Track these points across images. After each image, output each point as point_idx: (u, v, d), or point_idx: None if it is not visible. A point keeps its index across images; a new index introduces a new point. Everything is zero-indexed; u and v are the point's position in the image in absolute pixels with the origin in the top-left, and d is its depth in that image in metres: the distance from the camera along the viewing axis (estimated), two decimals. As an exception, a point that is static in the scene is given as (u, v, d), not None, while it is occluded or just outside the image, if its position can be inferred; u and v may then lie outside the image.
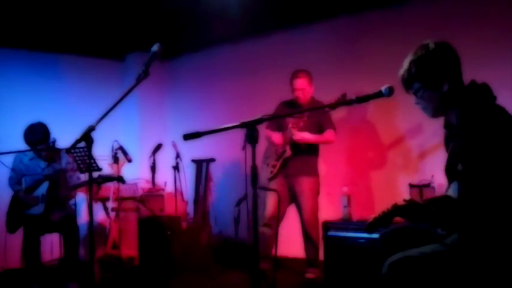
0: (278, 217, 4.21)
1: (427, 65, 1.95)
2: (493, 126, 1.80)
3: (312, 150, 4.27)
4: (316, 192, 4.28)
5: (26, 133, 4.05)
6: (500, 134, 1.78)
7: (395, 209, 1.84)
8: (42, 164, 4.21)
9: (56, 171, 4.18)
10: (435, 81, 1.94)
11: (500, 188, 1.74)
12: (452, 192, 1.98)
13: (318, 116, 4.14)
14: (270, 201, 4.27)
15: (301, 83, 4.20)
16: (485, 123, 1.81)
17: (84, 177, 4.28)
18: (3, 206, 4.23)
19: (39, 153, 4.15)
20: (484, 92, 1.93)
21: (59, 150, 4.21)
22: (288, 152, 4.23)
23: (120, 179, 4.09)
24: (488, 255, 1.80)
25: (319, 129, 4.21)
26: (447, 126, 2.05)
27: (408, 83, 2.01)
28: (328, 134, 4.18)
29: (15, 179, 4.25)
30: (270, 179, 4.30)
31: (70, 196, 4.28)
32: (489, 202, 1.74)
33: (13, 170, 4.22)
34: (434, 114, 2.04)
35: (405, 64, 2.01)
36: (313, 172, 4.29)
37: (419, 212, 1.81)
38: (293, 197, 4.29)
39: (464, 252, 1.84)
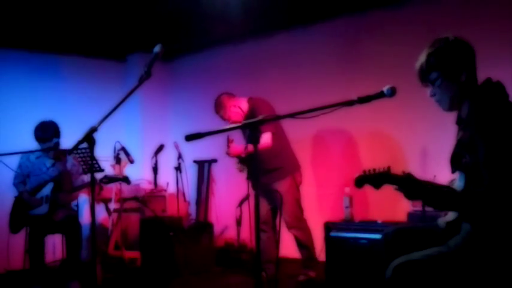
0: (273, 221, 4.22)
1: (447, 55, 1.98)
2: (504, 119, 1.81)
3: (268, 160, 4.04)
4: (293, 192, 4.11)
5: (37, 129, 4.09)
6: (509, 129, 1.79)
7: (387, 175, 1.86)
8: (48, 163, 4.23)
9: (60, 172, 4.20)
10: (454, 71, 1.97)
11: (506, 184, 1.73)
12: (457, 186, 1.98)
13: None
14: (261, 206, 4.24)
15: (221, 116, 4.23)
16: (496, 116, 1.82)
17: (87, 178, 4.29)
18: (5, 207, 4.24)
19: (47, 152, 4.17)
20: (497, 89, 1.95)
21: (66, 151, 4.22)
22: (240, 169, 4.28)
23: (125, 180, 4.10)
24: (492, 255, 1.80)
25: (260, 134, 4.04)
26: (459, 122, 2.05)
27: (426, 73, 2.02)
28: (262, 140, 3.96)
29: (20, 177, 4.24)
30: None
31: (73, 198, 4.30)
32: (500, 190, 1.74)
33: (19, 167, 4.23)
34: (450, 106, 2.04)
35: (422, 57, 2.03)
36: (285, 173, 4.11)
37: (415, 187, 1.82)
38: (277, 201, 4.20)
39: (469, 254, 1.83)
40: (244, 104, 4.22)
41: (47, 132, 4.08)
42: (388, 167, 1.88)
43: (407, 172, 1.86)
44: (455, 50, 1.98)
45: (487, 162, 1.78)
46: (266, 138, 4.00)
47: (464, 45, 2.01)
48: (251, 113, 4.08)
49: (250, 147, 3.99)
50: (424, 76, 2.04)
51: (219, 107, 4.25)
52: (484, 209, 1.76)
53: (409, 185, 1.84)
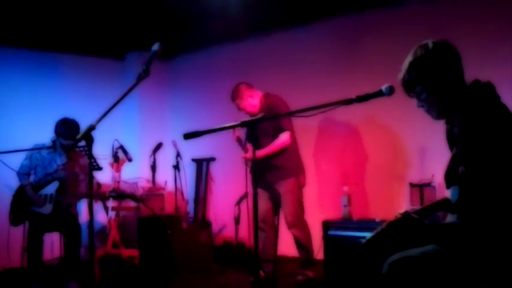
0: (273, 219, 4.20)
1: (428, 66, 1.90)
2: (497, 130, 1.78)
3: (275, 156, 4.07)
4: (296, 192, 4.12)
5: (60, 125, 4.06)
6: (504, 137, 1.76)
7: (390, 226, 1.90)
8: (60, 160, 4.21)
9: (69, 173, 4.19)
10: (437, 83, 1.90)
11: (503, 192, 1.73)
12: (451, 196, 1.97)
13: (272, 120, 3.99)
14: (260, 205, 4.24)
15: (237, 105, 4.18)
16: (489, 128, 1.78)
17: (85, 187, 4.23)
18: (4, 204, 4.21)
19: (61, 149, 4.15)
20: (487, 92, 1.90)
21: (79, 153, 4.21)
22: (248, 167, 4.23)
23: (133, 198, 4.09)
24: (489, 255, 1.80)
25: (277, 133, 4.05)
26: (449, 121, 2.02)
27: (410, 86, 1.96)
28: (281, 139, 4.03)
29: (26, 169, 4.17)
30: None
31: (76, 201, 4.31)
32: (492, 206, 1.73)
33: (29, 158, 4.18)
34: (439, 116, 2.00)
35: (405, 66, 1.96)
36: (289, 174, 4.11)
37: (413, 226, 1.85)
38: (278, 201, 4.23)
39: (465, 252, 1.84)
40: (260, 98, 4.19)
41: (70, 129, 4.04)
42: (389, 222, 1.92)
43: (403, 211, 1.89)
44: (436, 59, 1.89)
45: (486, 183, 1.76)
46: (286, 137, 4.03)
47: (446, 51, 1.92)
48: (267, 109, 4.04)
49: (264, 150, 4.01)
50: (408, 88, 1.97)
51: (235, 95, 4.19)
52: (486, 235, 1.76)
53: (408, 225, 1.87)
